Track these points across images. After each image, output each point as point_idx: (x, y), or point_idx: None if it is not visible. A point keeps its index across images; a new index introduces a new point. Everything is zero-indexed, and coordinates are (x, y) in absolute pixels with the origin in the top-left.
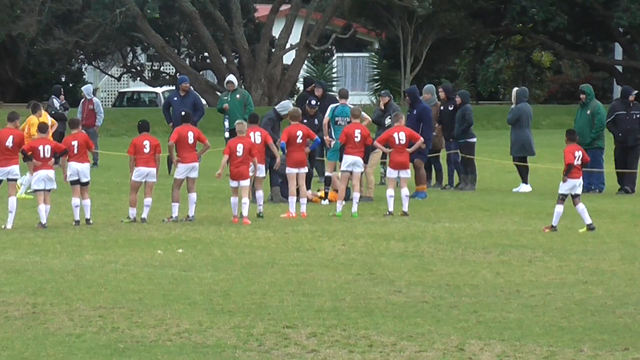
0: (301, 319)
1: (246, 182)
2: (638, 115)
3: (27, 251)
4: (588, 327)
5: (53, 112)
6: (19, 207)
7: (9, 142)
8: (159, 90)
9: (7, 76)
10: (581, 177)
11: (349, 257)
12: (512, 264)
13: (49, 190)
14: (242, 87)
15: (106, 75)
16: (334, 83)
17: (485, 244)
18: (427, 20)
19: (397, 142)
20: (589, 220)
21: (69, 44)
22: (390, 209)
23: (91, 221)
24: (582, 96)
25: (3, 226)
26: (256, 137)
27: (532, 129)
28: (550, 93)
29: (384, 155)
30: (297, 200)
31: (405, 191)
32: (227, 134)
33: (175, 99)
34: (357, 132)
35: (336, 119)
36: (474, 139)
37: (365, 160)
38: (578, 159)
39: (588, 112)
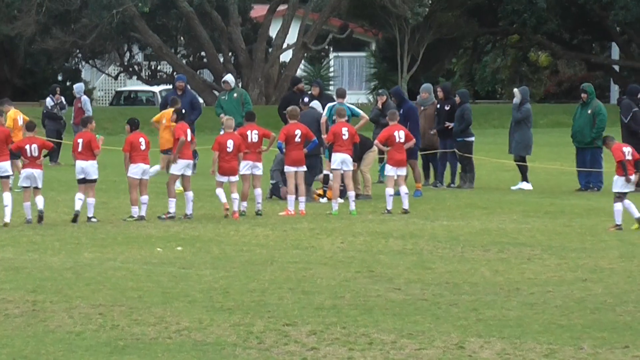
0: (301, 316)
1: (236, 178)
2: None
3: (26, 249)
4: (587, 325)
5: (45, 111)
6: (17, 204)
7: None
8: (156, 89)
9: (5, 76)
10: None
11: (348, 254)
12: (511, 262)
13: (39, 189)
14: (239, 86)
15: (103, 74)
16: (331, 82)
17: (484, 242)
18: (424, 20)
19: (397, 140)
20: (637, 214)
21: (66, 43)
22: (389, 207)
23: (93, 219)
24: (584, 95)
25: (2, 223)
26: (253, 135)
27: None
28: (546, 92)
29: (380, 153)
30: (296, 199)
31: (404, 189)
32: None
33: (173, 97)
34: (345, 130)
35: (334, 117)
36: (472, 138)
37: (356, 159)
38: (628, 154)
39: (589, 111)
